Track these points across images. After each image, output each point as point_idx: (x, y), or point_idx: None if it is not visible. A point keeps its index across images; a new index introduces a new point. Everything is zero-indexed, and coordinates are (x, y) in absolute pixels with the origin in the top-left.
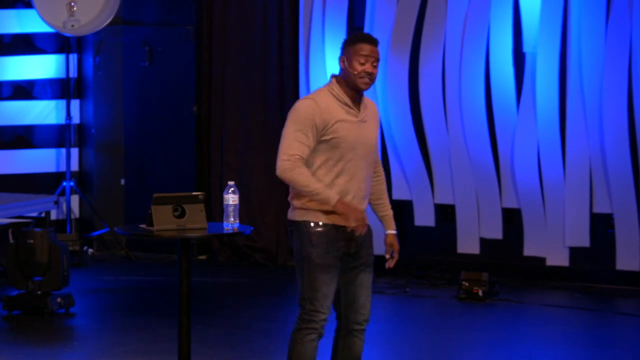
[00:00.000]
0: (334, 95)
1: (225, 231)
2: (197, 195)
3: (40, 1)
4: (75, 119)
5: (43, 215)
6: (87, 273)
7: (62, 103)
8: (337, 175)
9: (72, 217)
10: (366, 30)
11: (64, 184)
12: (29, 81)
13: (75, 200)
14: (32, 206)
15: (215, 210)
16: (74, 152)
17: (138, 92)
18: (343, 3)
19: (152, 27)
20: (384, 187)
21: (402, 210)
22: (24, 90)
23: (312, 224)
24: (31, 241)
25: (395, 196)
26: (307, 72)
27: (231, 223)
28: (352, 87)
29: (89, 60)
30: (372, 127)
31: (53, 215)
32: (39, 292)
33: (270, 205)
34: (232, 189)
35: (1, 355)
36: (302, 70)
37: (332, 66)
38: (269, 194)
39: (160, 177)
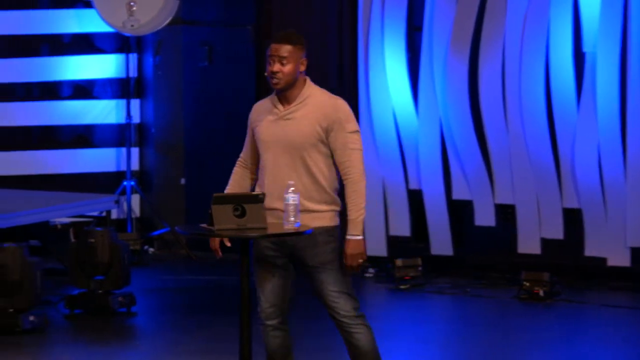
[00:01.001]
0: (270, 99)
1: (285, 231)
2: (258, 195)
3: (100, 1)
4: (136, 119)
5: (104, 214)
6: (148, 272)
7: (122, 103)
8: (264, 176)
9: (133, 216)
10: (425, 29)
11: (125, 183)
12: (89, 81)
13: (136, 199)
14: (93, 205)
15: None
16: (134, 151)
17: (198, 92)
18: (402, 3)
19: (211, 27)
20: (350, 190)
21: (463, 210)
22: (84, 89)
23: None
24: (92, 240)
25: (455, 196)
26: (366, 73)
27: (292, 222)
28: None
29: (149, 60)
30: (300, 125)
31: (114, 215)
32: (101, 291)
33: None
34: (292, 188)
35: (63, 354)
36: (361, 71)
37: (392, 67)
38: None
39: (220, 177)
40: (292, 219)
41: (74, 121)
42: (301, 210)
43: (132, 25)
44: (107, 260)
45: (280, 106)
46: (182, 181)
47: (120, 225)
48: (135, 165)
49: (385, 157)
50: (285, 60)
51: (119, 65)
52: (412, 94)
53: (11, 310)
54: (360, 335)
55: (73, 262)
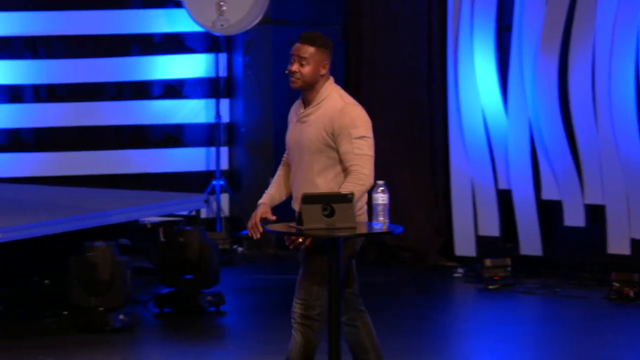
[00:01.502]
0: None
1: (374, 231)
2: (347, 195)
3: (190, 1)
4: (225, 118)
5: (193, 213)
6: (237, 271)
7: (212, 102)
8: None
9: (222, 215)
10: (514, 30)
11: (214, 182)
12: (179, 80)
13: (225, 199)
14: (183, 205)
15: None
16: (224, 151)
17: (287, 92)
18: (491, 3)
19: (300, 27)
20: (344, 189)
21: (552, 210)
22: (174, 89)
23: None
24: (182, 239)
25: (545, 196)
26: (456, 73)
27: (381, 222)
28: None
29: (239, 60)
30: (310, 129)
31: (203, 214)
32: (190, 290)
33: (420, 205)
34: (382, 188)
35: (152, 353)
36: (450, 70)
37: (481, 67)
38: (419, 194)
39: None
40: (382, 218)
41: (163, 121)
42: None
43: (221, 25)
44: (196, 259)
45: (302, 108)
46: (271, 180)
47: (210, 224)
48: (224, 165)
49: (474, 157)
50: (304, 61)
51: (208, 64)
52: (501, 93)
53: (101, 309)
54: (296, 338)
55: (162, 261)
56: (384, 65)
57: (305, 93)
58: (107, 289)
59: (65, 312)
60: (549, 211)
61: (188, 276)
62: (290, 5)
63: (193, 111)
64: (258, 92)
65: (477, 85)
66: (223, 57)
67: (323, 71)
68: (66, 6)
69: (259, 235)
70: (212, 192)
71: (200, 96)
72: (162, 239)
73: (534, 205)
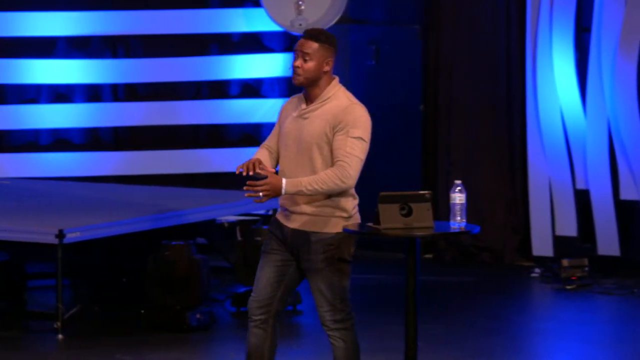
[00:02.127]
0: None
1: (452, 230)
2: (424, 194)
3: (268, 0)
4: None
5: (270, 212)
6: None
7: None
8: (280, 172)
9: None
10: (594, 30)
11: None
12: (257, 80)
13: None
14: (260, 204)
15: (442, 209)
16: None
17: (364, 91)
18: (571, 3)
19: (379, 26)
20: (325, 174)
21: (631, 210)
22: (252, 88)
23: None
24: (259, 239)
25: (623, 196)
26: (534, 73)
27: (458, 222)
28: None
29: None
30: (313, 124)
31: None
32: None
33: (497, 205)
34: (459, 187)
35: (228, 351)
36: (529, 71)
37: (560, 67)
38: (496, 193)
39: (386, 176)
40: (459, 218)
41: (241, 120)
42: (300, 212)
43: (300, 24)
44: None
45: (303, 104)
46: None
47: None
48: None
49: (552, 157)
50: (308, 57)
51: (286, 64)
52: (579, 93)
53: (179, 307)
54: (336, 346)
55: (239, 260)
56: (462, 65)
57: (308, 89)
58: (184, 288)
59: (143, 311)
60: (627, 211)
61: None
62: (369, 5)
63: (270, 110)
64: None
65: (556, 85)
66: None
67: (326, 68)
68: (145, 6)
69: (251, 173)
70: None
71: (278, 95)
72: (239, 237)
73: (611, 205)
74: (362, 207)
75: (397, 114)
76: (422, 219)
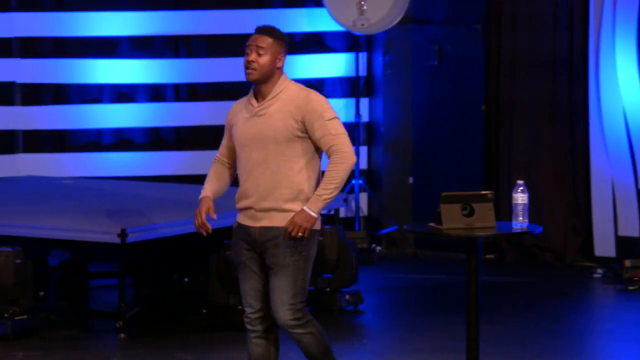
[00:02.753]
0: (250, 93)
1: (514, 230)
2: (486, 194)
3: (331, 0)
4: (365, 117)
5: (332, 212)
6: (375, 271)
7: (352, 101)
8: (240, 174)
9: (361, 215)
10: None
11: (353, 182)
12: (319, 79)
13: (364, 198)
14: None
15: (503, 209)
16: (363, 150)
17: (427, 91)
18: (634, 3)
19: (441, 26)
20: (328, 169)
21: None
22: (314, 88)
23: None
24: (320, 238)
25: None
26: (597, 72)
27: (520, 222)
28: None
29: (379, 59)
30: (273, 119)
31: (342, 213)
32: (328, 289)
33: (559, 205)
34: (521, 188)
35: (289, 351)
36: (591, 69)
37: (623, 66)
38: (558, 193)
39: (448, 176)
40: (521, 218)
41: None
42: (270, 209)
43: (362, 24)
44: (335, 258)
45: (254, 102)
46: (410, 180)
47: (348, 223)
48: (363, 164)
49: (615, 157)
50: (262, 51)
51: (348, 64)
52: None
53: (240, 307)
54: (303, 342)
55: None
56: (524, 65)
57: (260, 86)
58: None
59: (205, 310)
60: None
61: (327, 275)
62: (431, 5)
63: None
64: (398, 91)
65: (619, 84)
66: (363, 56)
67: (279, 64)
68: (208, 5)
69: (209, 231)
70: (351, 191)
71: (340, 95)
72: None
73: None
74: (424, 207)
75: (459, 114)
76: (484, 219)
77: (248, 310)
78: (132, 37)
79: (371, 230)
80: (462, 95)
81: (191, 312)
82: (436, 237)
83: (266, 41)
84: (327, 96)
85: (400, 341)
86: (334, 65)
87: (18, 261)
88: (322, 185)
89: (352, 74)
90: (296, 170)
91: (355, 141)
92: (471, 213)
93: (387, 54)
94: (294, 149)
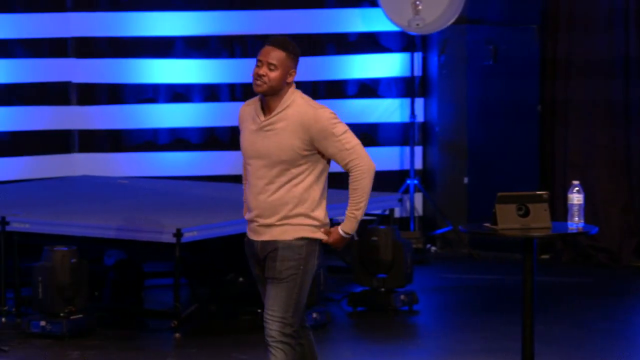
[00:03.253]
0: (255, 104)
1: (569, 231)
2: (542, 195)
3: (386, 0)
4: (420, 118)
5: (387, 212)
6: (430, 271)
7: (407, 101)
8: (246, 184)
9: (416, 215)
10: None
11: (408, 182)
12: (374, 79)
13: (418, 198)
14: (377, 204)
15: (559, 210)
16: (418, 150)
17: (482, 91)
18: None
19: (496, 26)
20: (351, 187)
21: None
22: (369, 88)
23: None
24: (375, 239)
25: None
26: None
27: (576, 223)
28: None
29: (434, 59)
30: (280, 138)
31: (397, 213)
32: (383, 289)
33: (614, 205)
34: (577, 188)
35: (345, 351)
36: None
37: None
38: (613, 194)
39: (503, 176)
40: (577, 218)
41: (358, 120)
42: (270, 224)
43: (417, 24)
44: (390, 258)
45: (261, 115)
46: (465, 180)
47: (403, 223)
48: (418, 164)
49: None
50: (273, 66)
51: (403, 64)
52: None
53: None
54: (273, 357)
55: (356, 260)
56: (580, 65)
57: (268, 99)
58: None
59: (259, 310)
60: None
61: (381, 275)
62: (487, 5)
63: (388, 110)
64: (453, 92)
65: None
66: (418, 56)
67: (290, 79)
68: (263, 5)
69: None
70: (406, 191)
71: (395, 95)
72: (355, 237)
73: None
74: (479, 207)
75: (515, 114)
76: (539, 220)
77: (268, 324)
78: (187, 37)
79: (426, 231)
80: (518, 96)
81: (246, 312)
82: (491, 238)
83: (278, 56)
84: (382, 96)
85: (455, 341)
86: (389, 65)
87: (74, 261)
88: (351, 205)
89: (407, 74)
90: (301, 187)
91: (410, 141)
92: (526, 213)
93: (442, 54)
94: (300, 167)
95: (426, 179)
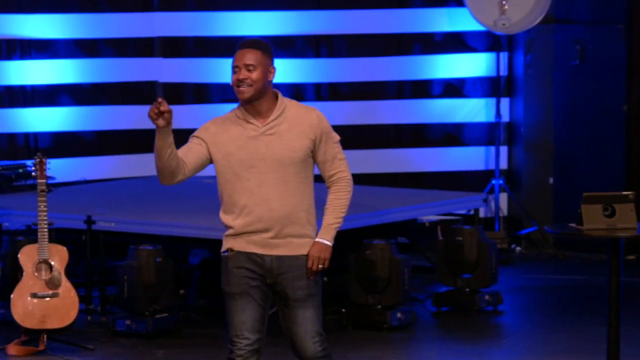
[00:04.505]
0: (236, 115)
1: None
2: (628, 195)
3: (472, 0)
4: (505, 117)
5: (472, 212)
6: (514, 271)
7: (492, 101)
8: (243, 197)
9: (501, 215)
10: None
11: (493, 182)
12: (460, 79)
13: (503, 198)
14: (461, 204)
15: None
16: (503, 150)
17: (568, 91)
18: None
19: (583, 25)
20: (334, 197)
21: None
22: (454, 88)
23: (225, 253)
24: (460, 238)
25: None
26: None
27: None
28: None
29: (520, 59)
30: (287, 139)
31: (482, 213)
32: (468, 290)
33: None
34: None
35: (429, 351)
36: None
37: None
38: None
39: (589, 176)
40: None
41: (443, 119)
42: (287, 235)
43: (503, 24)
44: (474, 258)
45: (255, 121)
46: (551, 180)
47: (488, 223)
48: (504, 164)
49: None
50: (252, 67)
51: (489, 63)
52: None
53: (379, 307)
54: None
55: (440, 260)
56: None
57: (255, 103)
58: (385, 287)
59: (344, 310)
60: None
61: (466, 275)
62: (573, 4)
63: (473, 110)
64: (539, 92)
65: None
66: (504, 56)
67: (270, 77)
68: (349, 5)
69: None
70: (491, 191)
71: (481, 95)
72: (440, 237)
73: None
74: (564, 207)
75: (601, 114)
76: (625, 220)
77: (243, 342)
78: (273, 37)
79: (511, 231)
80: (604, 95)
81: (330, 312)
82: (577, 238)
83: (254, 56)
84: (468, 96)
85: (539, 342)
86: (474, 65)
87: (159, 260)
88: (332, 213)
89: (492, 73)
90: (308, 192)
91: (495, 141)
92: (612, 214)
93: (529, 53)
94: (307, 170)
95: (511, 178)
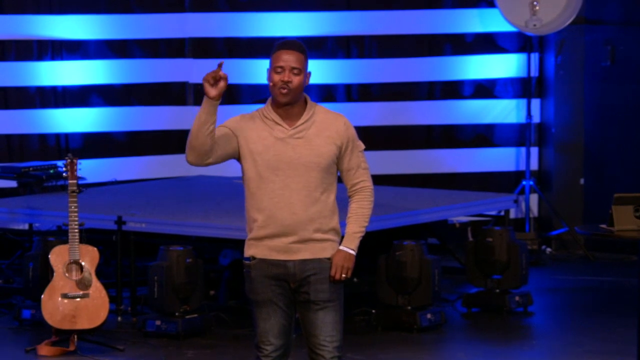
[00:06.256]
0: (263, 114)
1: None
2: None
3: (503, 0)
4: (536, 118)
5: (502, 213)
6: (545, 272)
7: (523, 102)
8: (266, 200)
9: (531, 216)
10: None
11: (524, 183)
12: (491, 80)
13: (534, 199)
14: (492, 204)
15: None
16: (534, 151)
17: (599, 92)
18: None
19: (614, 26)
20: (357, 206)
21: None
22: (485, 89)
23: (247, 260)
24: (490, 239)
25: None
26: None
27: None
28: (275, 100)
29: (551, 60)
30: (315, 144)
31: (512, 214)
32: (498, 290)
33: None
34: None
35: (459, 352)
36: None
37: None
38: None
39: (620, 177)
40: None
41: (474, 120)
42: (311, 240)
43: (534, 25)
44: (504, 259)
45: (284, 123)
46: (582, 181)
47: (518, 224)
48: (534, 165)
49: None
50: (297, 71)
51: (520, 64)
52: None
53: (409, 307)
54: None
55: (471, 260)
56: None
57: (287, 107)
58: (415, 288)
59: (374, 311)
60: None
61: (496, 276)
62: (605, 5)
63: (504, 111)
64: (570, 93)
65: None
66: (535, 56)
67: (307, 82)
68: (379, 6)
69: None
70: (522, 192)
71: (512, 96)
72: (470, 238)
73: None
74: (595, 208)
75: (632, 115)
76: None
77: (269, 348)
78: (303, 38)
79: (541, 232)
80: (635, 96)
81: (360, 312)
82: (607, 239)
83: (299, 59)
84: (498, 97)
85: (569, 343)
86: (505, 65)
87: (189, 260)
88: (357, 222)
89: (523, 74)
90: (332, 198)
91: (526, 142)
92: None
93: (560, 54)
94: (331, 176)
95: (542, 179)
